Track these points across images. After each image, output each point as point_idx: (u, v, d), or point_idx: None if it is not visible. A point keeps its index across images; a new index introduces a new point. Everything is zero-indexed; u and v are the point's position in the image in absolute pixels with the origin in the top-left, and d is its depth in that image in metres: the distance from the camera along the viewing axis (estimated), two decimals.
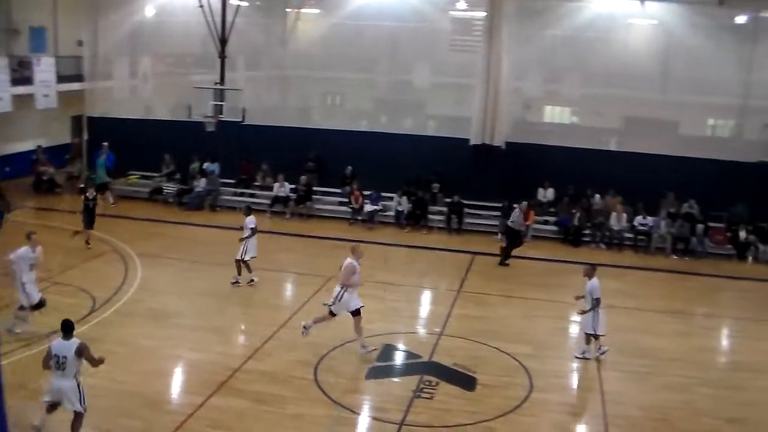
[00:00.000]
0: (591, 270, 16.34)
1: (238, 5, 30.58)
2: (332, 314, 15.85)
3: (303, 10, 39.04)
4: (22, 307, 15.76)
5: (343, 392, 14.08)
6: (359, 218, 28.41)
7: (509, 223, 24.61)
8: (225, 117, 29.49)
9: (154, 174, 30.73)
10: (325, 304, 16.18)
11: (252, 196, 29.88)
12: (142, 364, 14.73)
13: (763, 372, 16.24)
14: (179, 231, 25.45)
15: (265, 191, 29.52)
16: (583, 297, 16.29)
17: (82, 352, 11.31)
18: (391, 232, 27.72)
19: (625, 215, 26.78)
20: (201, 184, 29.38)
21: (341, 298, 15.66)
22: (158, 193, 30.05)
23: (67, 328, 11.38)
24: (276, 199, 28.60)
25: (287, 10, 38.98)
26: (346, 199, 28.95)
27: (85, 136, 33.60)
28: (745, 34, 31.57)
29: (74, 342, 11.32)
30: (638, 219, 26.73)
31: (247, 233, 19.78)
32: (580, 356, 16.35)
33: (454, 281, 21.86)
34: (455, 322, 18.37)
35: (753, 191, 26.94)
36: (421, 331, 18.19)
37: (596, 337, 16.15)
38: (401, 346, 16.67)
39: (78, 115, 33.79)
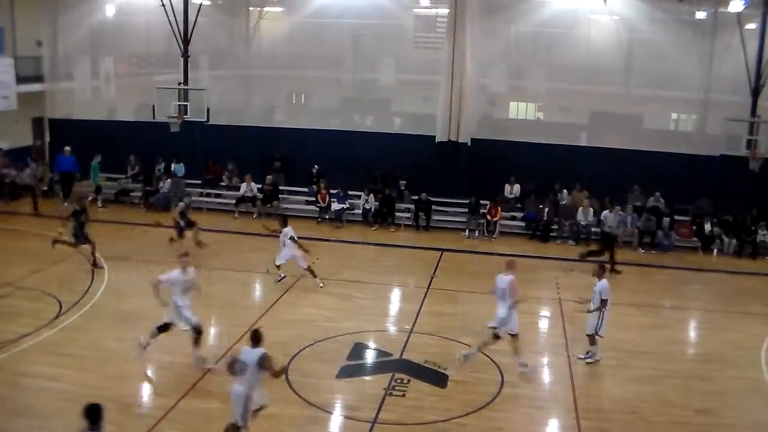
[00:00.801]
0: (600, 270, 16.11)
1: (201, 4, 30.24)
2: (498, 337, 15.21)
3: (266, 9, 38.92)
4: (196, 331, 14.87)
5: (315, 391, 14.01)
6: (327, 217, 28.36)
7: (606, 228, 24.32)
8: (189, 117, 29.18)
9: (120, 176, 30.41)
10: (490, 327, 15.33)
11: (218, 196, 29.72)
12: (111, 368, 14.54)
13: (729, 362, 16.44)
14: (146, 232, 25.18)
15: (232, 191, 29.33)
16: (588, 300, 16.02)
17: (263, 362, 11.17)
18: (359, 230, 27.69)
19: (591, 210, 26.91)
20: (166, 185, 29.12)
21: (511, 317, 15.15)
22: (124, 195, 29.82)
23: (256, 338, 11.36)
24: (242, 199, 28.42)
25: (250, 8, 38.82)
26: (313, 198, 28.87)
27: (47, 139, 33.19)
28: (704, 29, 31.99)
29: (258, 351, 11.22)
30: (605, 213, 26.85)
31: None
32: (583, 357, 16.15)
33: (423, 278, 21.86)
34: (425, 319, 18.37)
35: (716, 185, 27.29)
36: (392, 328, 18.17)
37: (594, 337, 16.07)
38: (372, 344, 16.63)
39: (39, 117, 33.32)
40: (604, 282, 15.79)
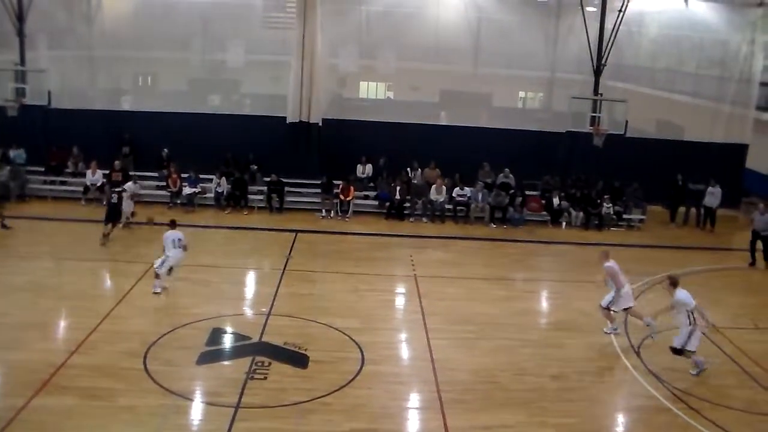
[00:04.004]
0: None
1: None
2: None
3: None
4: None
5: (175, 380, 13.69)
6: (178, 201, 27.70)
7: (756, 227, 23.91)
8: (29, 101, 27.91)
9: None
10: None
11: (63, 183, 28.53)
12: None
13: (578, 329, 17.22)
14: None
15: (78, 178, 28.21)
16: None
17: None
18: (212, 214, 27.20)
19: (444, 187, 27.39)
20: (5, 173, 27.66)
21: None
22: None
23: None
24: (89, 187, 27.37)
25: None
26: (163, 183, 28.14)
27: None
28: (549, 10, 33.08)
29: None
30: (456, 190, 27.43)
31: None
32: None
33: (278, 260, 21.73)
34: (283, 301, 18.27)
35: (563, 160, 28.37)
36: (249, 312, 17.98)
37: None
38: (230, 328, 16.42)
39: None
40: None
